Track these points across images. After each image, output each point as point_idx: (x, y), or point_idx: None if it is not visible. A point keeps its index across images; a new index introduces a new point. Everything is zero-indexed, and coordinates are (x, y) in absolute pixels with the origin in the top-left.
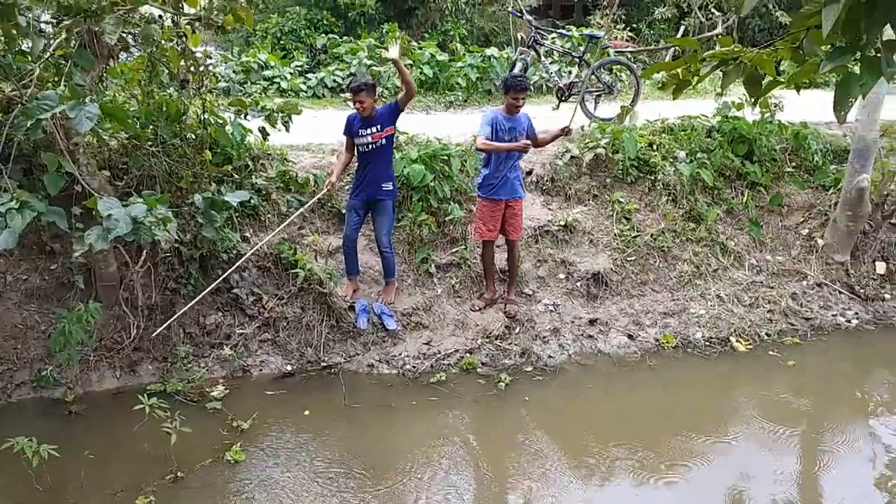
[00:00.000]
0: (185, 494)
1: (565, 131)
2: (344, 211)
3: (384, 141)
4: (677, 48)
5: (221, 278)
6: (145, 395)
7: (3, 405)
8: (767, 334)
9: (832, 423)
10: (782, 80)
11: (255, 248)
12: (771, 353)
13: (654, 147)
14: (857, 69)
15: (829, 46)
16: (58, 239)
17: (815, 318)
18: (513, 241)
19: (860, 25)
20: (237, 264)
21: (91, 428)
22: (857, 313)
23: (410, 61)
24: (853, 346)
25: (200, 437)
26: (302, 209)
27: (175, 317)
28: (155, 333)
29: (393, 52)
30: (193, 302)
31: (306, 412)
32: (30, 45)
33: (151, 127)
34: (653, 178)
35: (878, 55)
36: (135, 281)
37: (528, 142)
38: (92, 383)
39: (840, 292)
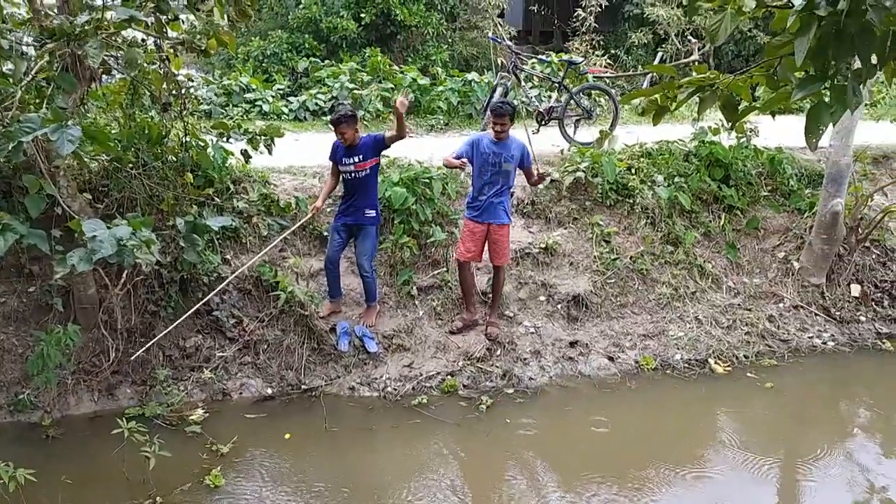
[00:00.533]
0: None
1: (542, 178)
2: (326, 233)
3: (368, 171)
4: (654, 74)
5: (202, 302)
6: (124, 418)
7: None
8: (745, 356)
9: (810, 446)
10: (758, 105)
11: (236, 273)
12: (749, 374)
13: (633, 171)
14: (827, 97)
15: (803, 73)
16: (36, 261)
17: (792, 340)
18: (497, 266)
19: (829, 54)
20: (219, 288)
21: (68, 452)
22: (832, 335)
23: (392, 85)
24: (829, 368)
25: (179, 462)
26: (285, 234)
27: (154, 340)
28: (133, 357)
29: (400, 105)
30: (173, 326)
31: (287, 436)
32: (12, 67)
33: (133, 149)
34: (632, 201)
35: (846, 83)
36: (114, 303)
37: (463, 161)
38: (70, 407)
39: (816, 314)
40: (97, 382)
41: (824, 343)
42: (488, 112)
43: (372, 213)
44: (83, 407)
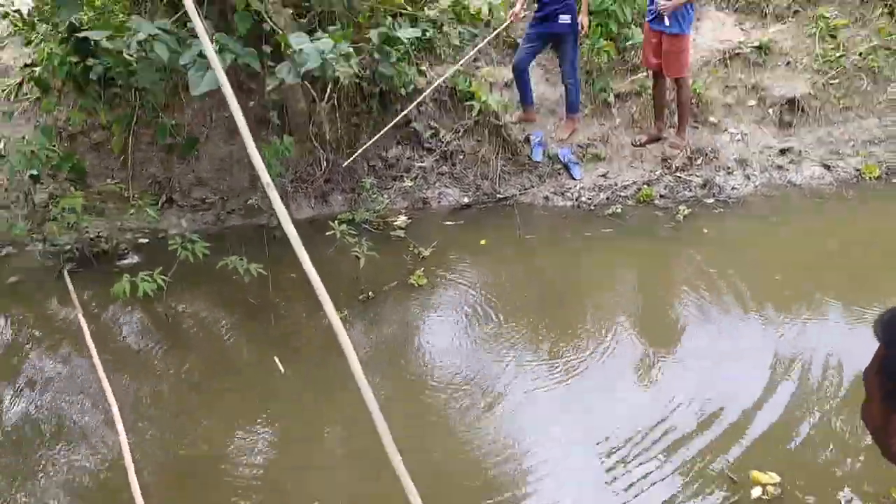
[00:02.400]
0: (375, 311)
1: None
2: (518, 41)
3: None
4: None
5: (402, 114)
6: (336, 222)
7: (217, 230)
8: None
9: None
10: None
11: (433, 86)
12: None
13: None
14: None
15: None
16: (253, 78)
17: None
18: (674, 78)
19: None
20: (416, 102)
21: (291, 251)
22: None
23: None
24: None
25: (386, 263)
26: (480, 45)
27: (360, 150)
28: (346, 164)
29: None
30: (377, 137)
31: (482, 242)
32: None
33: None
34: None
35: None
36: (322, 117)
37: None
38: (291, 212)
39: None
40: (312, 190)
41: None
42: None
43: (567, 19)
44: (302, 212)
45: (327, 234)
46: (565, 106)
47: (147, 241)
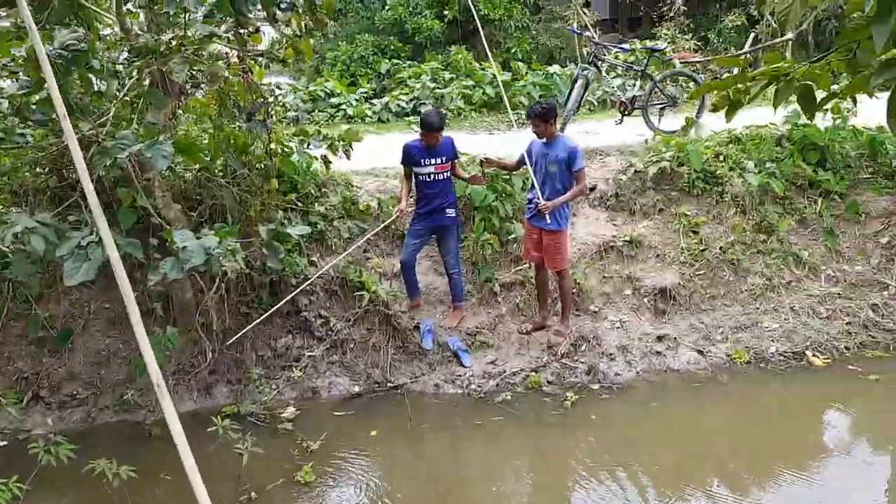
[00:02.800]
0: None
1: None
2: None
3: (448, 172)
4: (748, 55)
5: (287, 299)
6: (219, 416)
7: (87, 428)
8: (846, 347)
9: None
10: (837, 93)
11: (318, 274)
12: (851, 367)
13: (721, 158)
14: None
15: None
16: (138, 268)
17: None
18: (555, 271)
19: None
20: (300, 288)
21: (169, 449)
22: None
23: (473, 82)
24: None
25: (272, 458)
26: (367, 236)
27: (244, 330)
28: (230, 343)
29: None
30: (262, 318)
31: (373, 433)
32: (105, 86)
33: (222, 159)
34: (720, 189)
35: None
36: (209, 306)
37: (499, 160)
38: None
39: None
40: (196, 382)
41: None
42: (568, 106)
43: (452, 212)
44: (183, 406)
45: (209, 429)
46: (451, 295)
47: (6, 443)
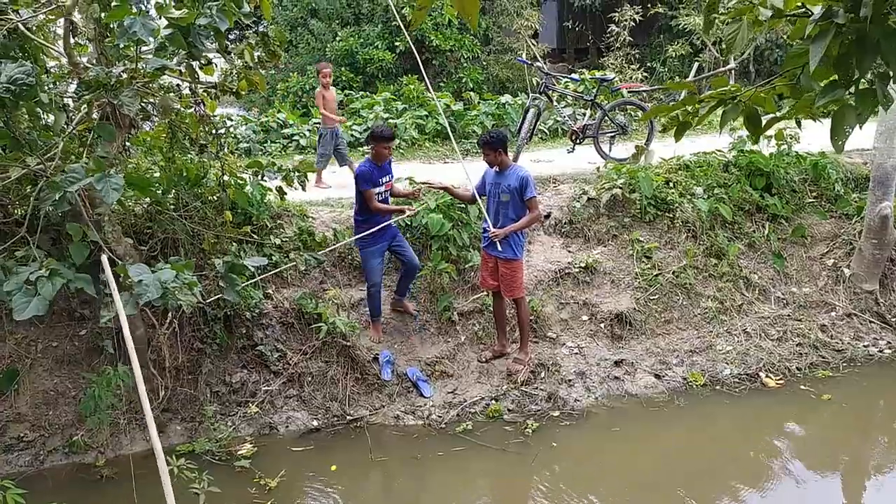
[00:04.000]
0: None
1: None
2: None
3: (391, 190)
4: (695, 82)
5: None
6: (174, 456)
7: (35, 472)
8: (798, 368)
9: (876, 462)
10: (781, 115)
11: (335, 245)
12: (803, 387)
13: (671, 185)
14: (852, 101)
15: (826, 80)
16: (86, 305)
17: (847, 350)
18: (511, 298)
19: (852, 61)
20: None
21: (122, 491)
22: (889, 342)
23: (426, 112)
24: (889, 377)
25: (229, 497)
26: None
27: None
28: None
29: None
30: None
31: (333, 468)
32: (53, 120)
33: (174, 192)
34: (671, 215)
35: (873, 86)
36: (161, 342)
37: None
38: (122, 446)
39: (871, 322)
40: None
41: (881, 351)
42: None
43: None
44: (136, 445)
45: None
46: (397, 289)
47: None
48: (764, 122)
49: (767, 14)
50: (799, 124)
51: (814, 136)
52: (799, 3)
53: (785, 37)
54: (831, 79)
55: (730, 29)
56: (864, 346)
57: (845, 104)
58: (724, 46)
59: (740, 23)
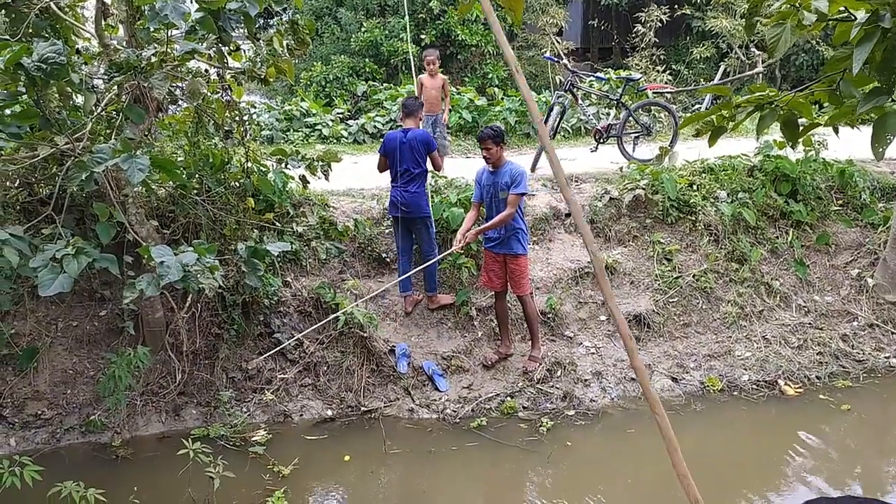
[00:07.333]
0: None
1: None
2: (384, 255)
3: None
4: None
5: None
6: (189, 439)
7: (52, 449)
8: (817, 377)
9: (893, 476)
10: (820, 121)
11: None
12: (822, 396)
13: (695, 187)
14: (895, 107)
15: (869, 86)
16: (108, 286)
17: (868, 361)
18: (518, 295)
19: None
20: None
21: (137, 472)
22: None
23: (450, 106)
24: None
25: (243, 483)
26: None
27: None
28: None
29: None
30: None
31: (346, 458)
32: (82, 100)
33: (197, 176)
34: (693, 218)
35: None
36: (180, 326)
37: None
38: (138, 427)
39: (893, 333)
40: (164, 404)
41: None
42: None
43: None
44: (151, 428)
45: (179, 452)
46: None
47: None
48: (801, 128)
49: (811, 18)
50: (836, 131)
51: (840, 143)
52: (842, 8)
53: (813, 41)
54: (873, 85)
55: (773, 32)
56: (886, 357)
57: (888, 111)
58: (752, 50)
59: (784, 26)
